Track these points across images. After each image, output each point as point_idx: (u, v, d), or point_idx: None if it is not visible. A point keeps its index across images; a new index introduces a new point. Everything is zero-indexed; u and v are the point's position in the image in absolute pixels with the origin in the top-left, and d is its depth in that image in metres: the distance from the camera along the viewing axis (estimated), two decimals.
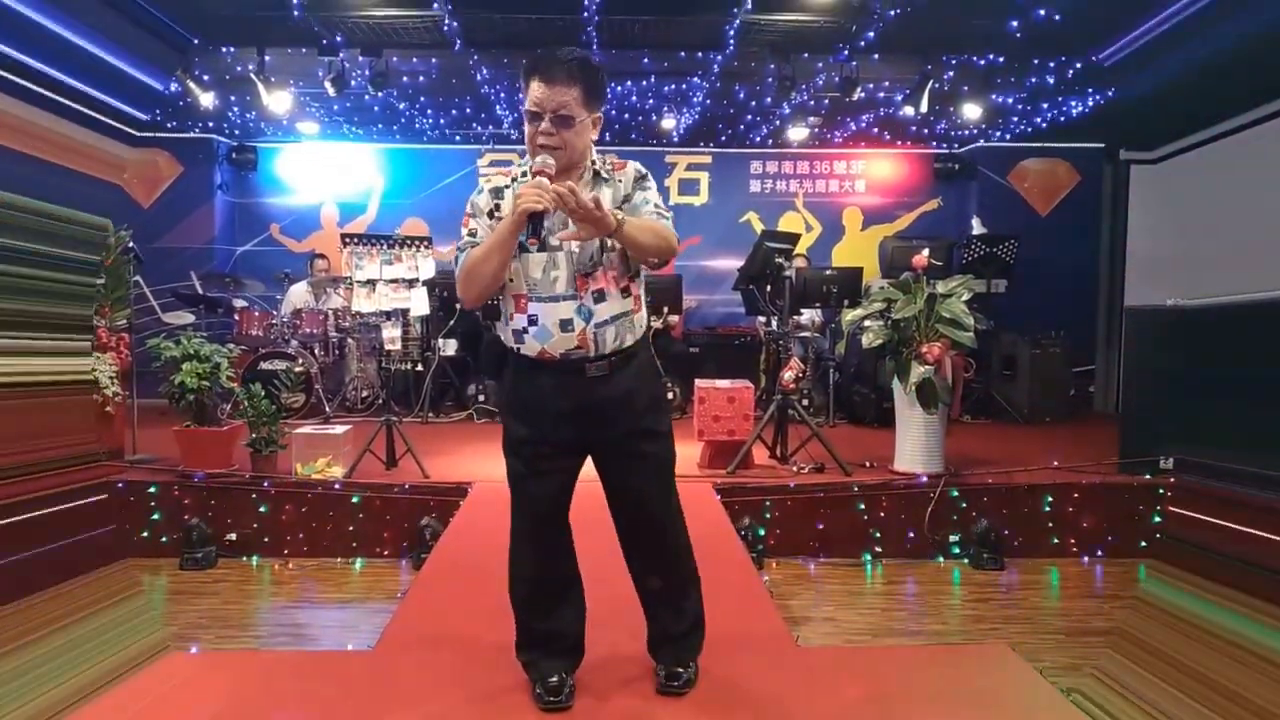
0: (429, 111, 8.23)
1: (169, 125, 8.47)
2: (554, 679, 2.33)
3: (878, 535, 4.79)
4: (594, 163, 2.25)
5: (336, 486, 4.77)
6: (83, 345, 4.93)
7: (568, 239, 2.12)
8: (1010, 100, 7.47)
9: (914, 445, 5.00)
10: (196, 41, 6.52)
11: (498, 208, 2.23)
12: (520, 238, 2.11)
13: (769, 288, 6.16)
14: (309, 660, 3.11)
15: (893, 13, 5.58)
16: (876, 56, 6.50)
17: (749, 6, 5.53)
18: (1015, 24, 5.73)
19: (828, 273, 7.16)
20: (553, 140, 2.13)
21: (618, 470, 2.30)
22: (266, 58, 6.67)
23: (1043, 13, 5.52)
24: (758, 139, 9.07)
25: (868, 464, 5.22)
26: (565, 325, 2.17)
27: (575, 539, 2.40)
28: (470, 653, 2.75)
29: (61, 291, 4.77)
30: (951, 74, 6.88)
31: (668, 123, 8.26)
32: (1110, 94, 7.17)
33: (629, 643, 2.54)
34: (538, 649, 2.37)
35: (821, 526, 4.78)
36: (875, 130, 8.72)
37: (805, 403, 6.56)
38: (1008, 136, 8.78)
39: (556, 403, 2.20)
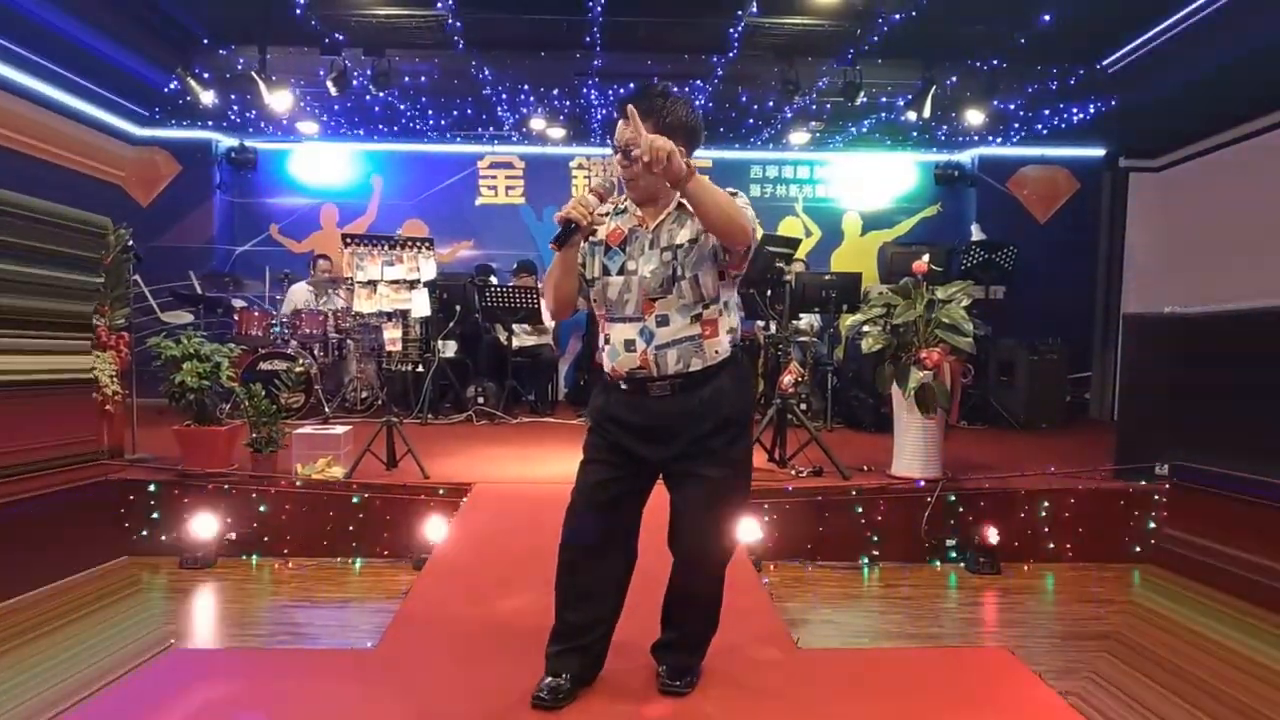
0: (430, 112, 8.25)
1: (169, 124, 8.46)
2: (556, 680, 2.36)
3: (875, 539, 4.81)
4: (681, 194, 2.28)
5: (336, 487, 4.78)
6: (82, 344, 4.93)
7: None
8: (1012, 107, 7.51)
9: (912, 450, 5.02)
10: (204, 41, 6.53)
11: (593, 232, 2.37)
12: (557, 243, 2.26)
13: (768, 292, 6.18)
14: (311, 658, 3.12)
15: (897, 17, 5.61)
16: (880, 61, 6.53)
17: (754, 10, 5.56)
18: (1018, 31, 5.77)
19: (827, 278, 7.18)
20: (626, 173, 2.27)
21: (674, 486, 2.38)
22: (268, 56, 6.67)
23: (1046, 19, 5.55)
24: (758, 142, 9.10)
25: (865, 468, 5.23)
26: (629, 345, 2.28)
27: None
28: (470, 652, 2.77)
29: (61, 290, 4.78)
30: (954, 80, 6.91)
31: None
32: (1112, 102, 7.21)
33: (633, 640, 2.56)
34: (560, 641, 2.41)
35: (820, 530, 4.79)
36: (876, 135, 8.75)
37: (804, 407, 6.56)
38: (1008, 143, 8.82)
39: (627, 415, 2.32)
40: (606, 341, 2.34)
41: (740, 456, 2.37)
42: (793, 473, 5.15)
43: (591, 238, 2.35)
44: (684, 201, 2.29)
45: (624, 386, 2.32)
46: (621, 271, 2.31)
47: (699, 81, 7.12)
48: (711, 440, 2.29)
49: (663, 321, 2.27)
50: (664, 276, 2.27)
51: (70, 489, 4.50)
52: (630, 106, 2.15)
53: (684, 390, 2.27)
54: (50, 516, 4.30)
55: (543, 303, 4.13)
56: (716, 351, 2.29)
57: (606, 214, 2.35)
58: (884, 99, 7.42)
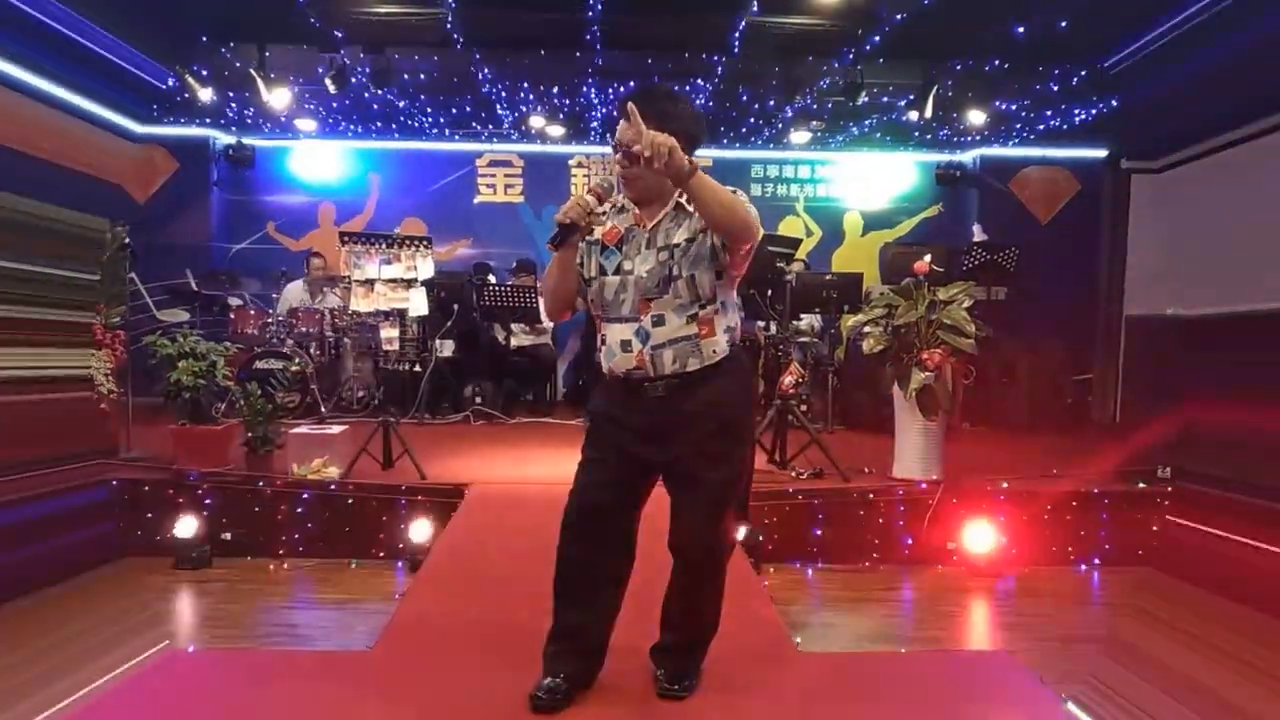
0: (429, 110, 8.22)
1: (166, 121, 8.43)
2: (554, 681, 2.33)
3: (876, 541, 4.78)
4: (680, 192, 2.25)
5: (332, 487, 4.74)
6: (80, 342, 4.90)
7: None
8: (1013, 107, 7.48)
9: (913, 452, 4.99)
10: (203, 39, 6.50)
11: (591, 231, 2.34)
12: (554, 244, 2.24)
13: (769, 292, 6.15)
14: (308, 660, 3.09)
15: (898, 17, 5.58)
16: (881, 61, 6.50)
17: (755, 9, 5.53)
18: (1020, 31, 5.74)
19: (827, 278, 7.15)
20: (626, 173, 2.25)
21: (674, 488, 2.35)
22: (267, 54, 6.65)
23: (1048, 20, 5.53)
24: (759, 142, 9.08)
25: (867, 470, 5.20)
26: (625, 346, 2.26)
27: None
28: (468, 654, 2.74)
29: (59, 292, 4.74)
30: (955, 80, 6.88)
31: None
32: (1113, 102, 7.18)
33: (632, 642, 2.53)
34: (558, 641, 2.39)
35: (820, 532, 4.76)
36: (877, 135, 8.73)
37: (804, 408, 6.53)
38: (1010, 144, 8.80)
39: (626, 416, 2.30)
40: (603, 342, 2.33)
41: (740, 459, 2.34)
42: (793, 474, 5.12)
43: (588, 237, 2.33)
44: (682, 201, 2.27)
45: (621, 387, 2.29)
46: (618, 271, 2.29)
47: (700, 80, 7.09)
48: (711, 442, 2.25)
49: (659, 321, 2.24)
50: (660, 276, 2.24)
51: (66, 489, 4.47)
52: (631, 104, 2.13)
53: (682, 391, 2.24)
54: (46, 517, 4.26)
55: (540, 302, 4.18)
56: (714, 351, 2.26)
57: (604, 213, 2.33)
58: (885, 99, 7.39)
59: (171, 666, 2.75)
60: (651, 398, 2.25)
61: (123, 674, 2.67)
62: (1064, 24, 5.54)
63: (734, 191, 2.18)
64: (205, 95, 6.98)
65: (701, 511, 2.29)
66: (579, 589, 2.36)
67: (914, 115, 7.00)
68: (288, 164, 9.38)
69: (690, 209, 2.25)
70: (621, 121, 2.23)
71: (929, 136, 8.64)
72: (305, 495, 4.73)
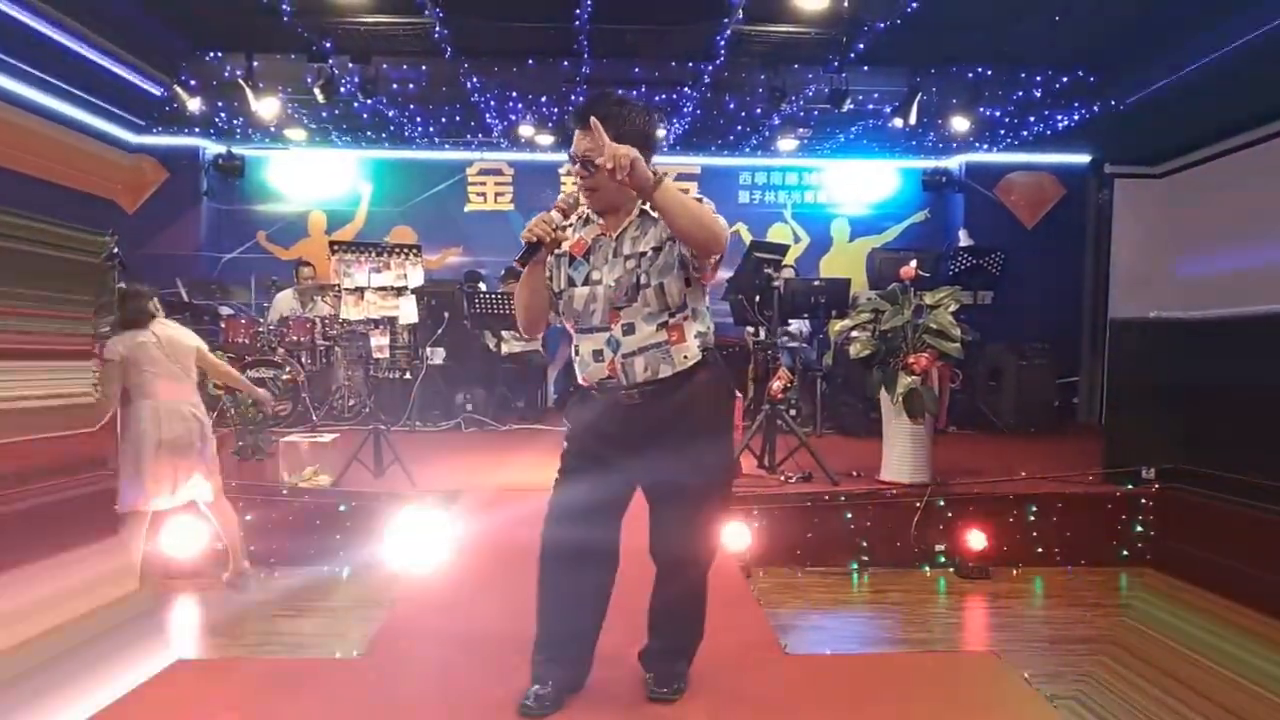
0: (418, 119, 8.24)
1: (155, 130, 8.42)
2: (542, 688, 2.35)
3: (864, 544, 4.81)
4: (644, 200, 2.26)
5: (324, 495, 4.75)
6: (80, 366, 4.88)
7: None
8: (998, 114, 7.55)
9: (900, 455, 5.02)
10: (191, 49, 6.50)
11: (558, 245, 2.36)
12: (521, 262, 2.27)
13: (757, 298, 6.19)
14: (300, 668, 3.09)
15: (882, 25, 5.63)
16: (866, 68, 6.55)
17: (740, 17, 5.58)
18: (1004, 38, 5.80)
19: (815, 284, 7.19)
20: (587, 182, 2.26)
21: (652, 495, 2.37)
22: (255, 64, 6.66)
23: (1031, 27, 5.59)
24: (747, 149, 9.12)
25: (855, 473, 5.23)
26: (597, 355, 2.29)
27: None
28: (457, 660, 2.75)
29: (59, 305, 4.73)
30: (940, 87, 6.94)
31: (658, 132, 8.31)
32: (1095, 108, 7.26)
33: (622, 647, 2.55)
34: (544, 649, 2.40)
35: (809, 535, 4.79)
36: (864, 142, 8.78)
37: (793, 413, 6.57)
38: (995, 149, 8.88)
39: (602, 425, 2.31)
40: (577, 353, 2.34)
41: (717, 463, 2.35)
42: (782, 478, 5.15)
43: (556, 250, 2.35)
44: (646, 209, 2.29)
45: (596, 396, 2.31)
46: (586, 282, 2.31)
47: (686, 88, 7.13)
48: (687, 448, 2.27)
49: (629, 330, 2.26)
50: (628, 285, 2.26)
51: (63, 500, 4.45)
52: (594, 119, 2.15)
53: (656, 397, 2.26)
54: (45, 524, 4.24)
55: None
56: (685, 356, 2.28)
57: (569, 226, 2.35)
58: (871, 106, 7.44)
59: (166, 677, 2.75)
60: (626, 406, 2.27)
61: (119, 684, 2.67)
62: (1047, 31, 5.60)
63: (700, 199, 2.20)
64: (194, 105, 6.98)
65: (679, 517, 2.30)
66: (563, 596, 2.38)
67: (899, 122, 7.05)
68: (278, 173, 9.38)
69: (655, 215, 2.26)
70: (577, 132, 2.24)
71: (915, 143, 8.71)
72: (296, 503, 4.73)
